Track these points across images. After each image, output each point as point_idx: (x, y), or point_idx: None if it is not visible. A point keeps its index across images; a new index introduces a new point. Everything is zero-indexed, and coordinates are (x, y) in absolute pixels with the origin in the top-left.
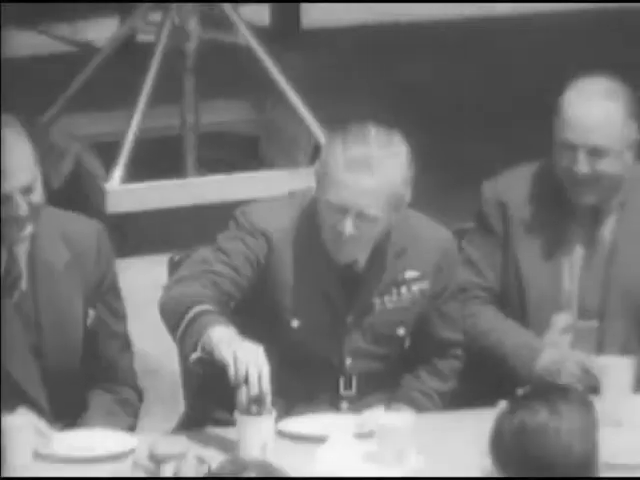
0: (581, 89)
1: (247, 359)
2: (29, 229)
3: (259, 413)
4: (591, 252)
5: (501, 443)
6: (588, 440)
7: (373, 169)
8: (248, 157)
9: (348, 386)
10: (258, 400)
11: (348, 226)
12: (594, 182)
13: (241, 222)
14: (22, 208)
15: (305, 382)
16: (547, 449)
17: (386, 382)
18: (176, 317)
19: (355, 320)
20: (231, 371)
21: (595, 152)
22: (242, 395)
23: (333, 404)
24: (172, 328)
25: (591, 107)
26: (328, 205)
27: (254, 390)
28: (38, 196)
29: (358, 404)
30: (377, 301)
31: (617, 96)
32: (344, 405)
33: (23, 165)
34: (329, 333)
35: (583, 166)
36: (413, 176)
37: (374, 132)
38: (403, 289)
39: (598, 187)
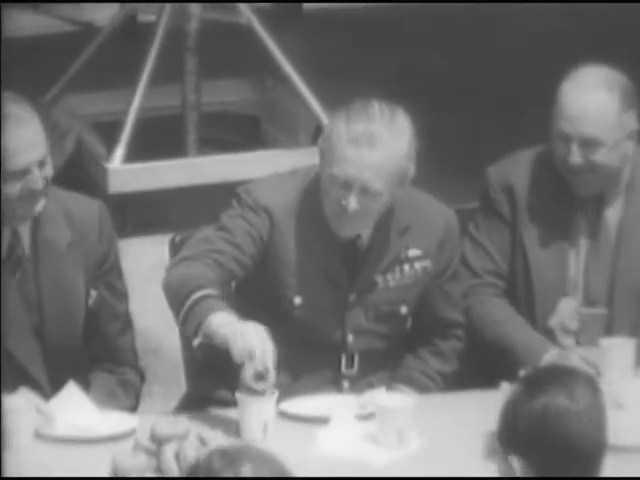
0: (577, 79)
1: (250, 336)
2: (42, 203)
3: (263, 390)
4: (597, 238)
5: (520, 425)
6: (601, 422)
7: (376, 144)
8: (249, 137)
9: (350, 365)
10: (262, 376)
11: (352, 201)
12: (589, 173)
13: (244, 199)
14: (39, 181)
15: (307, 360)
16: (568, 433)
17: (388, 361)
18: (179, 300)
19: (357, 298)
20: (234, 348)
21: (588, 143)
22: (246, 371)
23: (334, 383)
24: (175, 310)
25: (585, 98)
26: (332, 180)
27: (259, 365)
28: (49, 170)
29: (359, 383)
30: (380, 279)
31: (614, 86)
32: (345, 384)
33: (38, 139)
34: (331, 310)
35: (576, 157)
36: (416, 152)
37: (377, 108)
38: (406, 267)
39: (595, 178)
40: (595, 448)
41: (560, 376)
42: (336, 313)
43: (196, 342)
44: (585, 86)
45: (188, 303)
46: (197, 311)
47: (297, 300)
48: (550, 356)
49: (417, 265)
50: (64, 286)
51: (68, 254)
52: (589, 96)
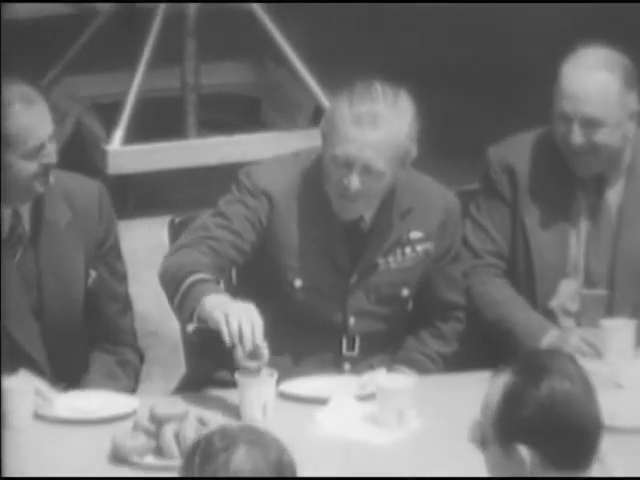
0: (578, 60)
1: (239, 317)
2: (51, 179)
3: (259, 368)
4: (597, 219)
5: (526, 414)
6: (596, 401)
7: (379, 123)
8: (249, 119)
9: (351, 347)
10: (255, 354)
11: (354, 180)
12: (591, 153)
13: (243, 182)
14: (54, 155)
15: (308, 342)
16: (578, 416)
17: (389, 343)
18: (173, 287)
19: (359, 280)
20: (224, 330)
21: (589, 123)
22: (239, 353)
23: (336, 365)
24: (170, 298)
25: (586, 78)
26: (334, 160)
27: (248, 345)
28: (56, 145)
29: (360, 365)
30: (381, 261)
31: (615, 67)
32: (346, 366)
33: (47, 115)
34: (332, 293)
35: (577, 137)
36: (419, 132)
37: (380, 89)
38: (407, 249)
39: (596, 159)
40: (596, 425)
41: (551, 359)
42: (337, 295)
43: (190, 328)
44: (586, 66)
45: (182, 289)
46: (191, 296)
47: (298, 283)
48: (550, 337)
49: (419, 247)
50: (64, 266)
51: (68, 234)
52: (590, 76)
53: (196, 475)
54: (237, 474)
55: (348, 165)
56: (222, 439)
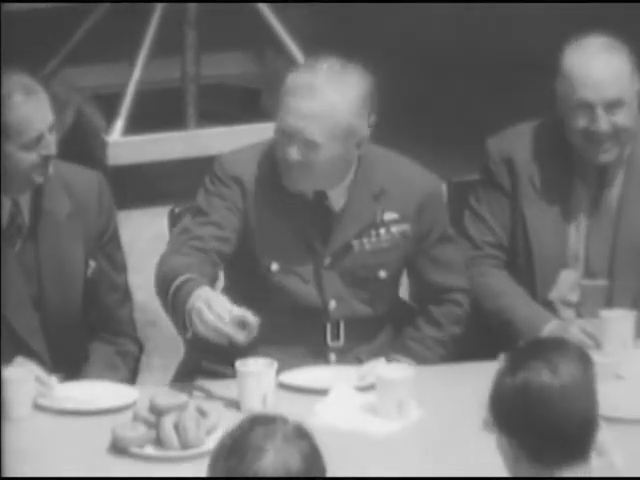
0: (583, 47)
1: (205, 318)
2: (51, 170)
3: (248, 335)
4: (597, 210)
5: (502, 403)
6: (589, 397)
7: (314, 94)
8: (249, 110)
9: (335, 336)
10: (243, 324)
11: (292, 152)
12: (613, 138)
13: (215, 171)
14: (53, 146)
15: (292, 331)
16: (551, 410)
17: (374, 333)
18: (164, 300)
19: (333, 261)
20: (197, 331)
21: (611, 105)
22: (222, 333)
23: (321, 355)
24: (165, 307)
25: (599, 62)
26: (276, 132)
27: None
28: (55, 136)
29: (346, 356)
30: (355, 243)
31: (619, 49)
32: (332, 357)
33: (47, 106)
34: (308, 275)
35: (604, 123)
36: (375, 114)
37: (327, 63)
38: (382, 230)
39: (615, 144)
40: (582, 424)
41: (545, 350)
42: (314, 278)
43: (188, 336)
44: (593, 51)
45: (169, 300)
46: (179, 301)
47: (274, 266)
48: (550, 327)
49: (394, 229)
50: (63, 257)
51: (67, 225)
52: (602, 59)
53: (228, 467)
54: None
55: (286, 136)
56: (259, 431)
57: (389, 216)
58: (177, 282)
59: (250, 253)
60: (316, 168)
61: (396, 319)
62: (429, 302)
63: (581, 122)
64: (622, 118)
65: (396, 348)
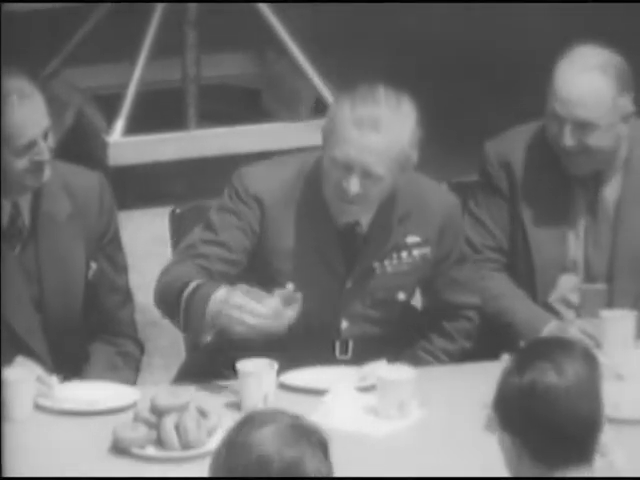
0: (572, 61)
1: (243, 320)
2: (48, 173)
3: (296, 306)
4: (595, 214)
5: (507, 402)
6: (594, 398)
7: (381, 127)
8: (250, 110)
9: (344, 351)
10: (289, 300)
11: (354, 184)
12: (583, 154)
13: (235, 187)
14: (45, 152)
15: (301, 346)
16: (556, 411)
17: (383, 348)
18: (168, 306)
19: (354, 285)
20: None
21: (581, 126)
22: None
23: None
24: (172, 315)
25: (579, 81)
26: (334, 162)
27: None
28: (52, 141)
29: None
30: (377, 265)
31: (609, 69)
32: None
33: (41, 111)
34: (326, 297)
35: (568, 139)
36: (421, 138)
37: (383, 92)
38: (404, 254)
39: (588, 159)
40: (587, 425)
41: (551, 350)
42: (332, 300)
43: (208, 339)
44: (580, 68)
45: (183, 303)
46: (195, 306)
47: (289, 286)
48: (550, 328)
49: (415, 252)
50: (64, 258)
51: (68, 226)
52: (583, 79)
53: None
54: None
55: (347, 168)
56: (259, 413)
57: (411, 239)
58: (189, 288)
59: (266, 272)
60: (372, 199)
61: (405, 337)
62: (442, 318)
63: (552, 131)
64: (594, 140)
65: (404, 357)
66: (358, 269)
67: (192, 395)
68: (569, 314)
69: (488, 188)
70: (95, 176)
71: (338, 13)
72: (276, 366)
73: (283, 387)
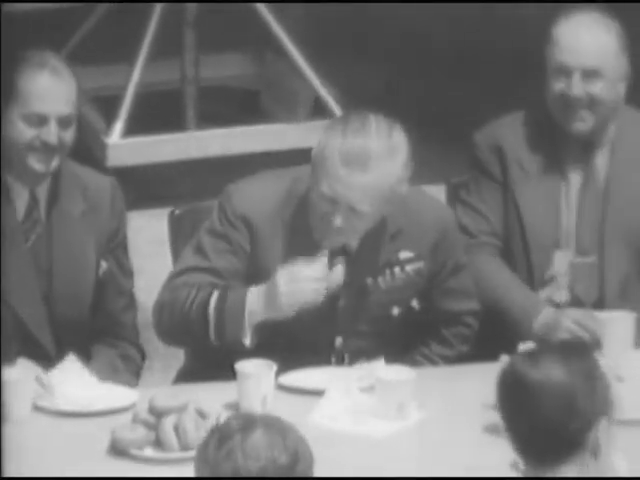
0: (575, 18)
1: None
2: (56, 162)
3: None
4: (587, 189)
5: (514, 401)
6: (585, 396)
7: (369, 166)
8: (248, 111)
9: (340, 362)
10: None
11: (338, 219)
12: (587, 107)
13: (224, 208)
14: (53, 136)
15: (297, 360)
16: (561, 410)
17: (379, 359)
18: (183, 318)
19: (347, 302)
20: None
21: (589, 74)
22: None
23: None
24: (185, 334)
25: (585, 31)
26: (320, 195)
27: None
28: (70, 136)
29: None
30: (370, 282)
31: (610, 28)
32: None
33: (65, 96)
34: (320, 315)
35: (577, 88)
36: (410, 173)
37: (375, 124)
38: (396, 270)
39: (591, 115)
40: (547, 427)
41: (559, 350)
42: (325, 318)
43: (249, 342)
44: (584, 23)
45: (213, 311)
46: (229, 311)
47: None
48: (544, 316)
49: (408, 267)
50: (75, 254)
51: (81, 223)
52: (590, 31)
53: (211, 456)
54: (254, 451)
55: (333, 203)
56: (240, 420)
57: (404, 255)
58: (214, 298)
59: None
60: (358, 230)
61: (400, 348)
62: (440, 325)
63: (558, 86)
64: (599, 89)
65: (404, 362)
66: (350, 288)
67: (191, 396)
68: (563, 294)
69: (479, 173)
70: (108, 180)
71: (337, 13)
72: (275, 367)
73: (282, 388)
